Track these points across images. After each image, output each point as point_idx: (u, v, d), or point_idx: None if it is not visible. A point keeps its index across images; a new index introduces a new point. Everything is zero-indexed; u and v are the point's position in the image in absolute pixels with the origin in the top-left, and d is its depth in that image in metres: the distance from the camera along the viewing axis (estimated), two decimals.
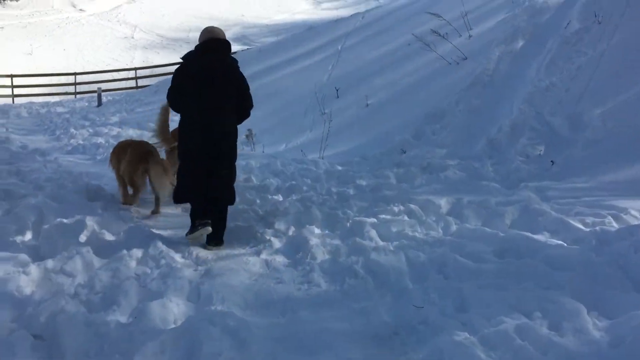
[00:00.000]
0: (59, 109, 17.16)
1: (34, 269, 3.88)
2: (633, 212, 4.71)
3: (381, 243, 4.28)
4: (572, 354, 2.60)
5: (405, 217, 4.92)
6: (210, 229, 4.65)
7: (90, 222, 4.94)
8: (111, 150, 6.48)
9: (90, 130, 12.03)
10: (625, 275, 3.29)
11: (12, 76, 21.56)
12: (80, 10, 36.89)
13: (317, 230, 4.80)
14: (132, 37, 32.69)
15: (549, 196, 5.34)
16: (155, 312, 3.31)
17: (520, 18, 10.23)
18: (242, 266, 4.13)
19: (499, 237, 4.15)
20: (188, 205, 5.07)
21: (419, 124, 8.90)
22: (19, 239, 4.70)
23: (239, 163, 8.03)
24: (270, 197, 6.09)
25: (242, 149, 10.36)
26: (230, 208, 5.47)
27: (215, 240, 4.72)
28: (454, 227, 4.61)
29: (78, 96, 22.41)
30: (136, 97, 16.74)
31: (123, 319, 3.32)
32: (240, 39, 33.17)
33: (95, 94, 18.84)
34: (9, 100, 21.00)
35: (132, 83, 24.01)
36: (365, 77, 11.64)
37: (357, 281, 3.71)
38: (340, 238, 4.60)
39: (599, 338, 2.71)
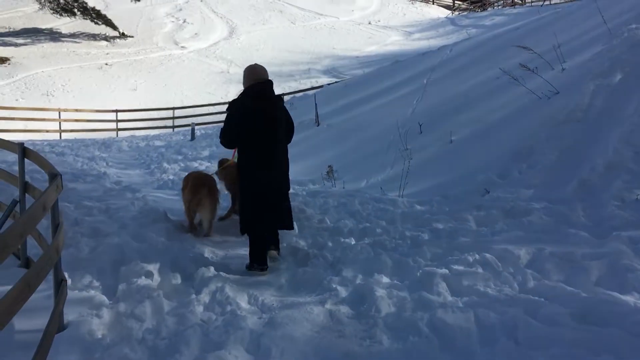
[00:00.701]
0: (157, 143, 18.08)
1: (106, 312, 4.03)
2: None
3: (450, 298, 4.07)
4: None
5: (480, 269, 4.65)
6: (267, 273, 5.20)
7: (164, 263, 5.10)
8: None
9: (182, 165, 12.55)
10: None
11: (117, 111, 23.12)
12: (182, 47, 39.05)
13: (385, 279, 4.66)
14: (228, 72, 34.07)
15: None
16: None
17: (619, 49, 9.61)
18: (306, 316, 4.06)
19: (580, 298, 3.82)
20: None
21: (504, 162, 8.51)
22: (98, 279, 4.94)
23: (317, 202, 8.10)
24: (342, 240, 6.01)
25: (322, 185, 10.43)
26: (299, 252, 5.51)
27: (276, 250, 5.51)
28: (531, 283, 4.30)
29: (175, 130, 23.63)
30: None
31: None
32: (330, 71, 33.70)
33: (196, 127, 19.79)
34: (113, 134, 22.49)
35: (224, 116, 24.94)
36: (450, 112, 11.37)
37: (421, 340, 3.54)
38: (409, 289, 4.42)
39: None
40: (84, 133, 21.25)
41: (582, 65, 10.12)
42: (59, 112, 21.55)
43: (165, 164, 12.45)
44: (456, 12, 51.48)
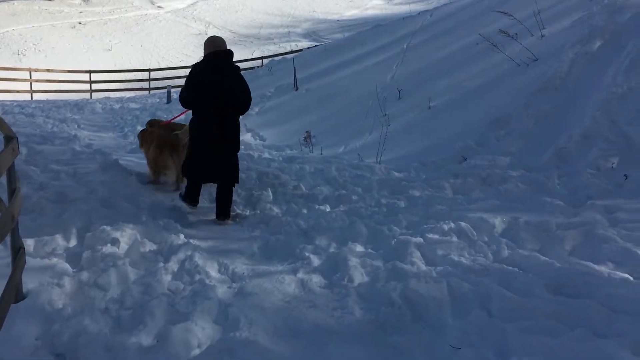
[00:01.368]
0: (132, 105, 17.66)
1: (68, 281, 3.87)
2: None
3: (424, 268, 4.00)
4: None
5: (454, 238, 4.59)
6: (195, 209, 5.94)
7: (132, 230, 4.94)
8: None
9: None
10: None
11: (90, 72, 22.47)
12: (159, 7, 38.07)
13: (359, 248, 4.57)
14: (206, 34, 33.30)
15: (618, 219, 4.84)
16: (179, 337, 3.21)
17: (599, 17, 9.50)
18: (277, 285, 3.95)
19: (555, 268, 3.77)
20: None
21: (482, 129, 8.44)
22: (63, 245, 4.77)
23: (293, 167, 7.97)
24: (317, 207, 5.89)
25: (300, 150, 10.28)
26: (273, 220, 5.40)
27: (223, 216, 5.75)
28: (506, 252, 4.25)
29: (152, 92, 23.09)
30: None
31: (147, 341, 3.23)
32: (310, 34, 33.17)
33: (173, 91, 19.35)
34: (87, 95, 21.91)
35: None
36: (429, 78, 11.22)
37: (394, 311, 3.46)
38: (383, 258, 4.34)
39: None
40: (57, 94, 20.67)
41: (562, 32, 10.02)
42: (30, 72, 20.86)
43: (139, 127, 12.12)
44: None
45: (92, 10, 35.48)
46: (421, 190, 6.52)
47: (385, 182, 6.92)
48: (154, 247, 4.76)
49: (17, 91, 19.87)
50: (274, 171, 7.37)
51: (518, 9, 11.22)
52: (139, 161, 8.47)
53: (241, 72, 6.04)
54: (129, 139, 11.29)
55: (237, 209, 6.03)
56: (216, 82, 5.66)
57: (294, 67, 14.43)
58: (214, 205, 6.22)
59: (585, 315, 3.09)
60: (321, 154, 9.85)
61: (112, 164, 7.45)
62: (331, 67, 14.72)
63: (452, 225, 4.89)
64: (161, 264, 4.30)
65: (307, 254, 4.48)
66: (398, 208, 5.76)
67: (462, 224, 4.84)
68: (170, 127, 7.36)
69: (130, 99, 19.20)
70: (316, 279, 4.05)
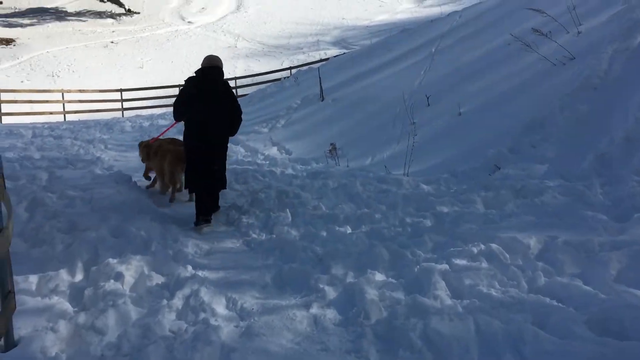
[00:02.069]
0: (161, 122, 17.64)
1: (63, 325, 3.62)
2: None
3: (448, 302, 3.58)
4: None
5: (484, 263, 4.16)
6: (211, 224, 6.12)
7: (139, 262, 4.68)
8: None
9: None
10: None
11: (121, 90, 22.67)
12: (189, 22, 38.37)
13: (378, 277, 4.18)
14: (235, 47, 33.41)
15: None
16: None
17: (639, 10, 8.88)
18: (287, 323, 3.62)
19: (598, 300, 3.32)
20: None
21: (516, 135, 7.94)
22: (67, 280, 4.54)
23: (315, 184, 7.63)
24: (337, 228, 5.52)
25: (326, 163, 9.94)
26: (289, 245, 5.08)
27: (208, 217, 6.14)
28: (542, 280, 3.79)
29: None
30: None
31: None
32: (340, 42, 32.86)
33: None
34: (119, 114, 22.09)
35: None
36: (459, 82, 10.74)
37: (413, 356, 3.07)
38: (404, 289, 3.95)
39: None
40: (89, 114, 20.89)
41: (599, 28, 9.41)
42: (62, 93, 21.16)
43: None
44: None
45: (124, 29, 36.02)
46: (450, 205, 6.09)
47: (411, 198, 6.51)
48: (161, 279, 4.48)
49: (50, 113, 20.17)
50: (294, 190, 7.05)
51: (551, 6, 10.65)
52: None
53: (230, 87, 6.60)
54: None
55: (253, 233, 5.71)
56: (204, 91, 6.16)
57: (319, 77, 14.12)
58: (231, 228, 6.00)
59: None
60: (347, 166, 9.49)
61: (128, 188, 7.26)
62: (357, 75, 14.35)
63: (482, 247, 4.46)
64: (165, 301, 4.02)
65: (321, 286, 4.12)
66: (424, 227, 5.35)
67: (493, 245, 4.40)
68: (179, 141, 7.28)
69: (160, 116, 19.20)
70: (330, 315, 3.70)
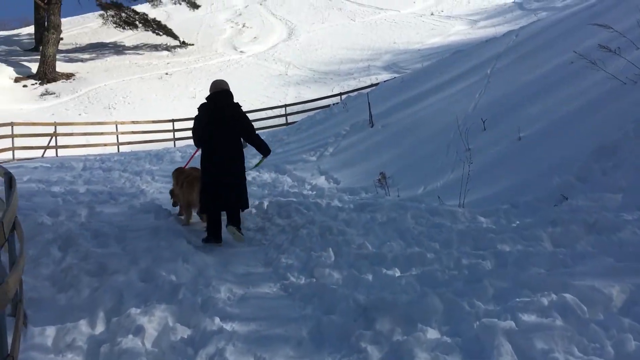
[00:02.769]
0: None
1: None
2: None
3: None
4: None
5: (558, 320, 3.49)
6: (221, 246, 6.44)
7: (164, 313, 4.24)
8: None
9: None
10: None
11: (173, 121, 22.88)
12: (241, 52, 38.87)
13: (431, 334, 3.58)
14: (286, 74, 33.48)
15: None
16: None
17: None
18: None
19: None
20: None
21: (584, 161, 7.16)
22: (87, 333, 4.15)
23: (361, 218, 7.09)
24: (384, 271, 4.95)
25: (375, 193, 9.38)
26: (329, 293, 4.55)
27: (235, 226, 6.44)
28: (631, 345, 3.11)
29: None
30: (279, 137, 16.55)
31: None
32: (391, 66, 32.40)
33: None
34: (171, 144, 22.25)
35: (283, 120, 24.33)
36: (518, 105, 10.01)
37: None
38: (461, 351, 3.34)
39: None
40: (142, 145, 21.11)
41: None
42: (116, 125, 21.53)
43: None
44: None
45: (179, 60, 36.79)
46: (512, 243, 5.41)
47: (468, 234, 5.86)
48: (186, 332, 4.03)
49: (105, 144, 20.51)
50: (339, 225, 6.51)
51: (618, 20, 9.84)
52: (194, 219, 7.86)
53: (242, 110, 6.78)
54: None
55: (292, 276, 5.20)
56: (214, 116, 6.49)
57: (369, 103, 13.64)
58: (269, 270, 5.55)
59: None
60: (398, 196, 8.91)
61: (165, 225, 6.94)
62: (408, 99, 13.79)
63: (554, 297, 3.79)
64: None
65: (364, 345, 3.56)
66: (483, 270, 4.70)
67: (567, 296, 3.73)
68: None
69: None
70: None
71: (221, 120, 6.49)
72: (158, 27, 38.89)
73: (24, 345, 3.89)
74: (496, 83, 11.69)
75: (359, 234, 6.25)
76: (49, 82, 31.30)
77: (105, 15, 38.51)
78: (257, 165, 8.22)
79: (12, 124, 17.16)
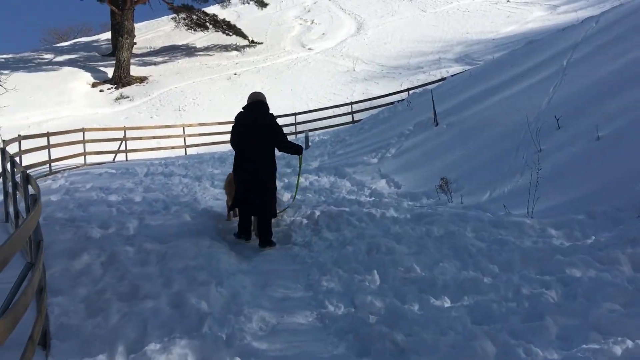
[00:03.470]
0: (275, 152, 17.33)
1: None
2: None
3: None
4: None
5: None
6: (248, 243, 6.99)
7: (184, 349, 3.91)
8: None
9: (286, 181, 11.50)
10: None
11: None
12: (309, 49, 38.64)
13: None
14: (354, 70, 32.89)
15: None
16: None
17: None
18: None
19: None
20: None
21: None
22: None
23: (416, 232, 6.53)
24: (432, 301, 4.41)
25: (437, 199, 8.76)
26: (365, 328, 4.06)
27: (265, 243, 6.78)
28: None
29: (298, 136, 22.89)
30: (341, 137, 16.07)
31: None
32: (463, 58, 31.09)
33: (310, 133, 18.86)
34: None
35: (349, 118, 23.82)
36: (596, 101, 9.04)
37: None
38: None
39: None
40: (208, 147, 21.25)
41: None
42: (183, 128, 21.79)
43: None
44: None
45: (248, 60, 37.03)
46: (584, 267, 4.72)
47: (533, 254, 5.19)
48: None
49: (172, 147, 20.79)
50: (388, 242, 5.98)
51: None
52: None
53: (274, 119, 7.19)
54: None
55: (330, 303, 4.74)
56: (246, 124, 6.99)
57: (432, 100, 12.90)
58: (308, 294, 5.14)
59: None
60: (461, 202, 8.25)
61: (208, 241, 6.67)
62: (476, 95, 12.91)
63: (629, 345, 3.15)
64: None
65: None
66: (546, 304, 4.07)
67: None
68: None
69: None
70: None
71: (252, 129, 6.93)
72: (228, 27, 39.36)
73: None
74: (572, 76, 10.68)
75: (410, 253, 5.70)
76: (123, 86, 32.37)
77: (177, 18, 39.41)
78: (299, 170, 9.00)
79: (83, 130, 17.66)
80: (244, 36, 40.14)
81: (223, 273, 5.46)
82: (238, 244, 6.85)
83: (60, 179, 13.58)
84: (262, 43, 40.85)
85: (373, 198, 9.32)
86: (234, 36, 40.12)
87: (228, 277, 5.40)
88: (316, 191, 10.15)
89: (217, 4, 41.81)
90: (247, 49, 39.75)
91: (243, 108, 7.22)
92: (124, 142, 19.45)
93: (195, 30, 39.90)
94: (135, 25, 36.31)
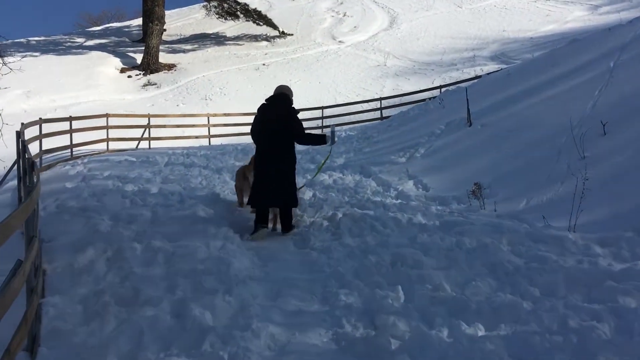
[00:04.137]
0: (299, 147, 16.83)
1: None
2: None
3: None
4: None
5: None
6: (267, 229, 6.99)
7: None
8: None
9: (308, 177, 11.00)
10: None
11: None
12: (340, 42, 38.02)
13: None
14: (385, 65, 32.18)
15: None
16: None
17: None
18: None
19: None
20: None
21: None
22: None
23: (445, 242, 5.98)
24: (463, 328, 3.86)
25: (468, 204, 8.19)
26: (387, 356, 3.53)
27: (286, 230, 7.06)
28: None
29: (324, 130, 22.38)
30: (368, 134, 15.50)
31: None
32: (498, 56, 30.15)
33: (337, 128, 18.33)
34: None
35: (377, 114, 23.21)
36: None
37: None
38: None
39: None
40: (233, 137, 20.88)
41: None
42: (208, 118, 21.44)
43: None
44: None
45: (277, 50, 36.59)
46: (638, 295, 4.13)
47: (579, 277, 4.61)
48: None
49: (197, 137, 20.48)
50: (415, 254, 5.43)
51: None
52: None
53: (294, 113, 7.14)
54: None
55: (348, 322, 4.23)
56: (265, 117, 7.04)
57: (467, 99, 12.25)
58: (324, 308, 4.67)
59: None
60: (495, 210, 7.67)
61: (221, 241, 6.22)
62: (513, 95, 12.21)
63: None
64: None
65: None
66: (597, 340, 3.50)
67: None
68: None
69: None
70: None
71: (271, 122, 6.98)
72: (259, 17, 38.99)
73: None
74: (620, 78, 9.94)
75: (439, 267, 5.16)
76: (151, 72, 32.23)
77: (208, 5, 39.17)
78: (323, 163, 9.34)
79: (107, 115, 17.41)
80: (275, 26, 39.70)
81: (233, 279, 4.99)
82: (253, 248, 6.37)
83: (79, 165, 13.32)
84: (292, 34, 40.37)
85: (399, 200, 8.77)
86: (264, 26, 39.73)
87: (238, 284, 4.93)
88: (339, 190, 9.63)
89: None
90: (277, 39, 39.31)
91: (266, 100, 7.27)
92: (147, 129, 19.17)
93: (225, 18, 39.60)
94: (167, 12, 36.18)
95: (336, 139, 16.41)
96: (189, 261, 5.47)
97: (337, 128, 18.52)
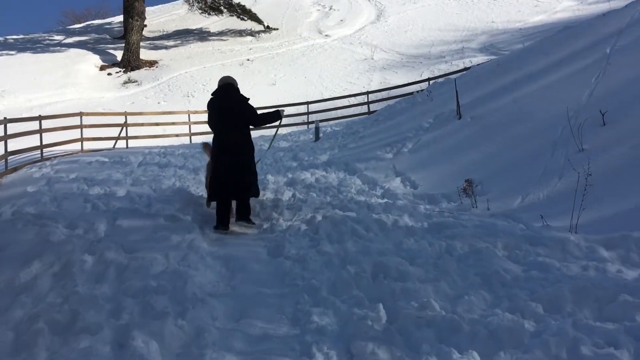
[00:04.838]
0: (283, 144, 16.21)
1: None
2: None
3: None
4: None
5: None
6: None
7: None
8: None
9: (290, 176, 10.34)
10: None
11: None
12: (326, 36, 37.31)
13: None
14: (372, 58, 31.50)
15: None
16: None
17: None
18: None
19: None
20: None
21: None
22: None
23: (434, 248, 5.35)
24: (454, 356, 3.22)
25: (459, 203, 7.58)
26: None
27: (244, 221, 6.97)
28: None
29: (310, 126, 21.70)
30: (354, 129, 14.84)
31: None
32: (488, 48, 29.59)
33: (322, 124, 17.73)
34: None
35: (365, 108, 22.56)
36: None
37: None
38: None
39: None
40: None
41: None
42: (189, 115, 20.69)
43: (270, 176, 10.33)
44: None
45: (261, 45, 35.83)
46: None
47: (588, 289, 3.97)
48: None
49: (177, 135, 19.75)
50: (399, 264, 4.79)
51: None
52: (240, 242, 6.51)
53: (247, 99, 7.17)
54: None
55: (319, 351, 3.58)
56: (218, 107, 7.06)
57: (456, 90, 11.62)
58: (294, 331, 4.02)
59: None
60: (488, 209, 7.08)
61: (179, 253, 5.54)
62: (505, 86, 11.58)
63: None
64: None
65: None
66: None
67: None
68: None
69: (284, 136, 17.80)
70: None
71: (229, 109, 6.99)
72: (243, 11, 38.20)
73: None
74: (618, 65, 9.35)
75: (427, 279, 4.52)
76: (132, 70, 31.36)
77: (191, 1, 38.30)
78: (273, 138, 9.89)
79: (80, 114, 16.62)
80: (259, 21, 38.92)
81: (190, 298, 4.32)
82: (221, 257, 5.69)
83: (46, 167, 12.57)
84: (277, 29, 39.59)
85: (385, 200, 8.14)
86: (249, 21, 38.95)
87: (195, 304, 4.26)
88: (322, 190, 8.98)
89: None
90: (262, 34, 38.53)
91: (212, 93, 7.27)
92: (124, 128, 18.40)
93: (209, 14, 38.79)
94: (149, 8, 35.43)
95: (321, 134, 15.88)
96: (142, 277, 4.80)
97: (322, 124, 17.91)
